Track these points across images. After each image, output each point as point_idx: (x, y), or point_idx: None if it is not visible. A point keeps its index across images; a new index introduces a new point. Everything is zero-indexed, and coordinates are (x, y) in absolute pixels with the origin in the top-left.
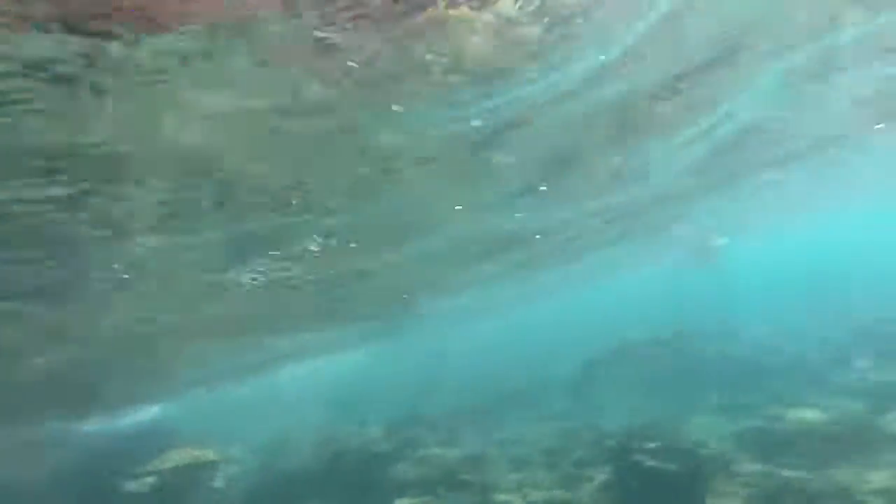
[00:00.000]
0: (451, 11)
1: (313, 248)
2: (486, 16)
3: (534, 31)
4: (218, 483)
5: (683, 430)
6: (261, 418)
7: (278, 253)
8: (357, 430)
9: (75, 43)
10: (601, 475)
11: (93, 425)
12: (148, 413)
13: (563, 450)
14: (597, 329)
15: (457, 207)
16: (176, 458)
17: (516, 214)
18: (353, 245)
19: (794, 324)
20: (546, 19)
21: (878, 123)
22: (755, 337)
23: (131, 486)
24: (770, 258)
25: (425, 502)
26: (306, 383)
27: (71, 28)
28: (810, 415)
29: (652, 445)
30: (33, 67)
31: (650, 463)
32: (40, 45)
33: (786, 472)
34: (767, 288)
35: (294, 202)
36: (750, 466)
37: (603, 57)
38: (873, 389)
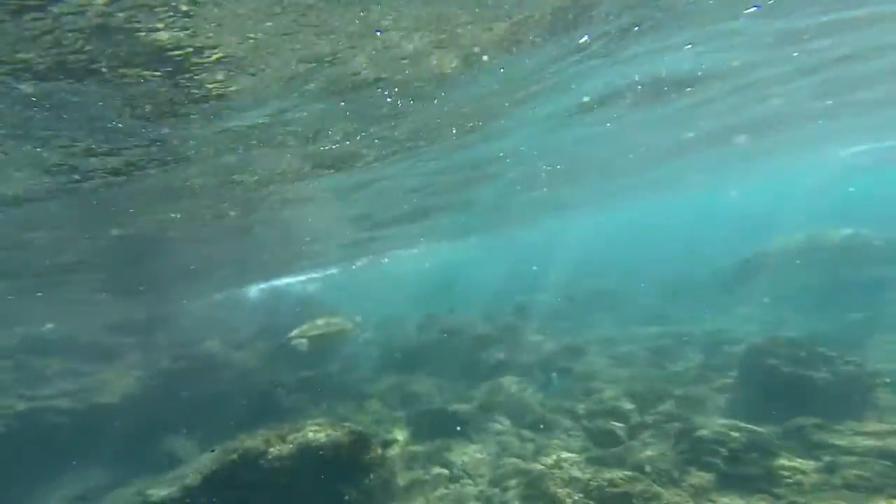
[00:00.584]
0: None
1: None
2: None
3: None
4: (351, 349)
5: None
6: (380, 298)
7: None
8: (463, 314)
9: None
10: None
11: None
12: (295, 284)
13: (665, 348)
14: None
15: None
16: (321, 324)
17: None
18: None
19: None
20: None
21: None
22: None
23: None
24: None
25: (525, 380)
26: (420, 268)
27: None
28: None
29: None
30: None
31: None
32: None
33: None
34: None
35: None
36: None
37: None
38: None
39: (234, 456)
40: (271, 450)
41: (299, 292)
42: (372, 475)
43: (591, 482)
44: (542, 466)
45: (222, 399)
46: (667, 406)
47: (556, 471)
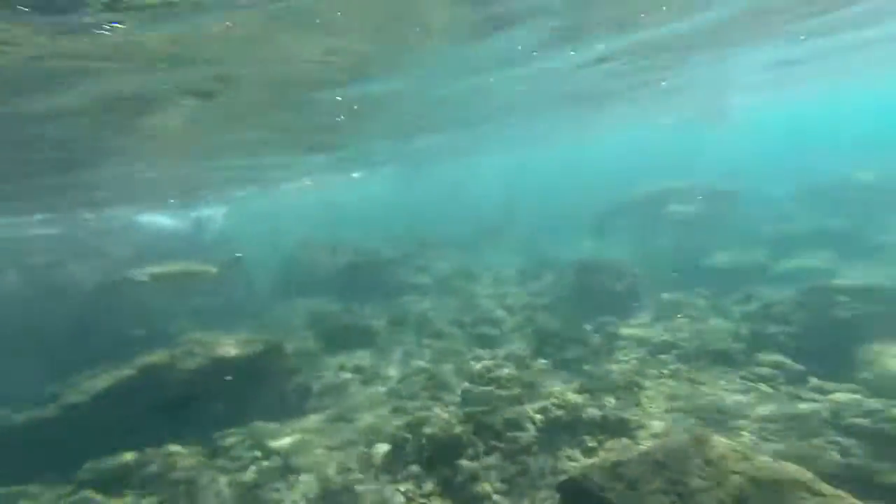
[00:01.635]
0: None
1: None
2: None
3: None
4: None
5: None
6: (287, 228)
7: None
8: (369, 243)
9: None
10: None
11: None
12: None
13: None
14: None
15: None
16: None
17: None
18: None
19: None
20: None
21: None
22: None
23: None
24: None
25: (424, 299)
26: (328, 201)
27: None
28: None
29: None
30: None
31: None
32: None
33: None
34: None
35: None
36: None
37: None
38: None
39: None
40: (179, 365)
41: (189, 226)
42: (285, 381)
43: (474, 370)
44: (440, 365)
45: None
46: (527, 313)
47: (449, 366)
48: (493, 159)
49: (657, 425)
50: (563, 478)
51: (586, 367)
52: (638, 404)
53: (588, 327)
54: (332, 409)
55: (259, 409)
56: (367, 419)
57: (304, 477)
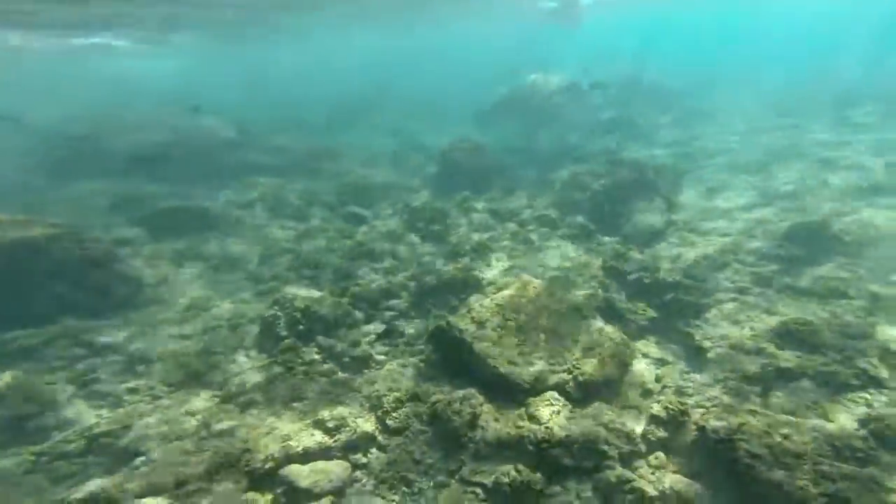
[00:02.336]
0: None
1: None
2: None
3: None
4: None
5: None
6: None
7: None
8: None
9: None
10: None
11: None
12: None
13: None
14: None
15: None
16: None
17: None
18: None
19: None
20: None
21: None
22: None
23: None
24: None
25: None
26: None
27: None
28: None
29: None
30: None
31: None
32: None
33: None
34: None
35: None
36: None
37: None
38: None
39: None
40: None
41: None
42: (100, 272)
43: (348, 245)
44: (307, 243)
45: None
46: (394, 192)
47: (318, 244)
48: (361, 40)
49: (501, 279)
50: None
51: (451, 239)
52: (489, 265)
53: (451, 204)
54: (182, 300)
55: (79, 305)
56: (226, 306)
57: (158, 366)
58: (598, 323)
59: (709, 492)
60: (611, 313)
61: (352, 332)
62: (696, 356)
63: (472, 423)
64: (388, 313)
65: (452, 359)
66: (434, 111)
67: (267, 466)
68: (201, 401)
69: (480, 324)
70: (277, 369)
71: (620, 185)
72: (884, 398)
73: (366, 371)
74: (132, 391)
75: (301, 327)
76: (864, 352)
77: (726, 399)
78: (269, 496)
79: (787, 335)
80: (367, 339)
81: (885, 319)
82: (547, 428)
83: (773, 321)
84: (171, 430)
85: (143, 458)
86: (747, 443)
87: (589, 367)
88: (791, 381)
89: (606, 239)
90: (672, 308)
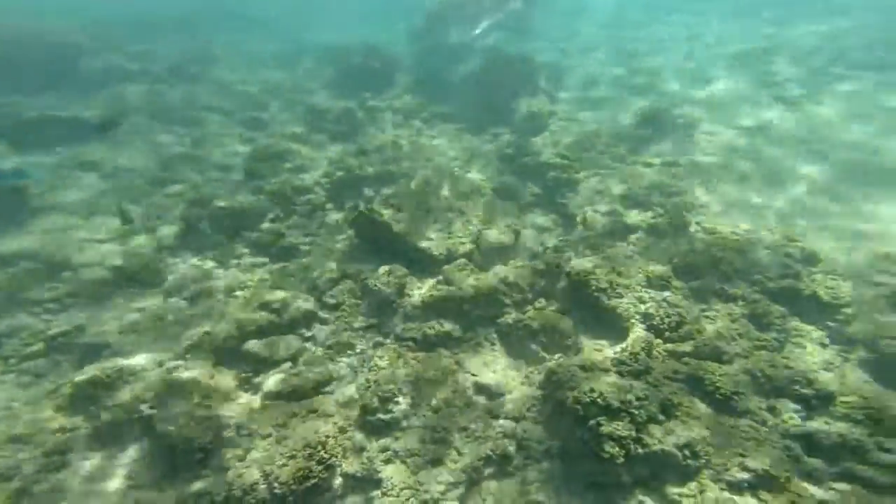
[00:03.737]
0: None
1: None
2: None
3: None
4: None
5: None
6: None
7: None
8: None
9: None
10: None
11: None
12: None
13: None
14: None
15: None
16: None
17: None
18: None
19: None
20: None
21: None
22: None
23: None
24: None
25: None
26: None
27: None
28: None
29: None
30: None
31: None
32: None
33: None
34: None
35: None
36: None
37: None
38: None
39: None
40: None
41: None
42: None
43: (256, 150)
44: (206, 149)
45: None
46: (290, 95)
47: (219, 150)
48: None
49: (415, 171)
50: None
51: (356, 137)
52: (399, 159)
53: (353, 103)
54: (78, 208)
55: None
56: (134, 209)
57: (67, 274)
58: (495, 201)
59: (575, 319)
60: (504, 193)
61: (275, 225)
62: (569, 222)
63: (400, 291)
64: (307, 207)
65: (374, 241)
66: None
67: (228, 345)
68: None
69: (398, 209)
70: (211, 264)
71: (508, 80)
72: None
73: (294, 259)
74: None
75: (225, 224)
76: (681, 205)
77: (588, 252)
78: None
79: (630, 198)
80: (291, 231)
81: (699, 181)
82: (459, 288)
83: (621, 189)
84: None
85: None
86: (596, 281)
87: (489, 237)
88: (630, 233)
89: (499, 129)
90: (551, 185)
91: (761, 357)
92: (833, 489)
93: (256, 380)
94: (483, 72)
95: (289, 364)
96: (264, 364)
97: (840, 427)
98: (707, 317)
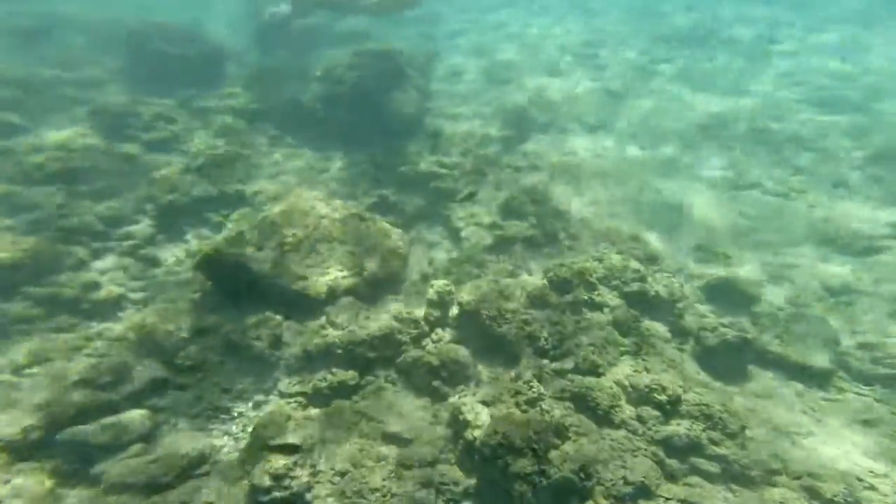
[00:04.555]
0: None
1: None
2: None
3: None
4: None
5: None
6: None
7: None
8: None
9: None
10: None
11: None
12: None
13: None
14: None
15: None
16: None
17: None
18: None
19: None
20: None
21: None
22: None
23: None
24: None
25: None
26: None
27: None
28: None
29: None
30: None
31: None
32: None
33: None
34: None
35: None
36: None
37: None
38: None
39: None
40: None
41: None
42: None
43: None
44: None
45: None
46: (64, 90)
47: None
48: None
49: (271, 188)
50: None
51: (182, 147)
52: (245, 177)
53: (171, 102)
54: None
55: None
56: None
57: None
58: (376, 222)
59: (472, 350)
60: (384, 208)
61: (79, 276)
62: (454, 236)
63: (276, 343)
64: (127, 242)
65: (233, 285)
66: None
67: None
68: None
69: (259, 246)
70: None
71: (375, 76)
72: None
73: (121, 315)
74: None
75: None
76: (549, 214)
77: (475, 271)
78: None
79: (507, 210)
80: (113, 276)
81: (559, 181)
82: (350, 331)
83: (501, 196)
84: None
85: None
86: (486, 309)
87: (373, 266)
88: (510, 246)
89: (370, 134)
90: (433, 195)
91: (626, 364)
92: (687, 485)
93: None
94: (344, 67)
95: (139, 446)
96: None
97: (685, 426)
98: (580, 327)
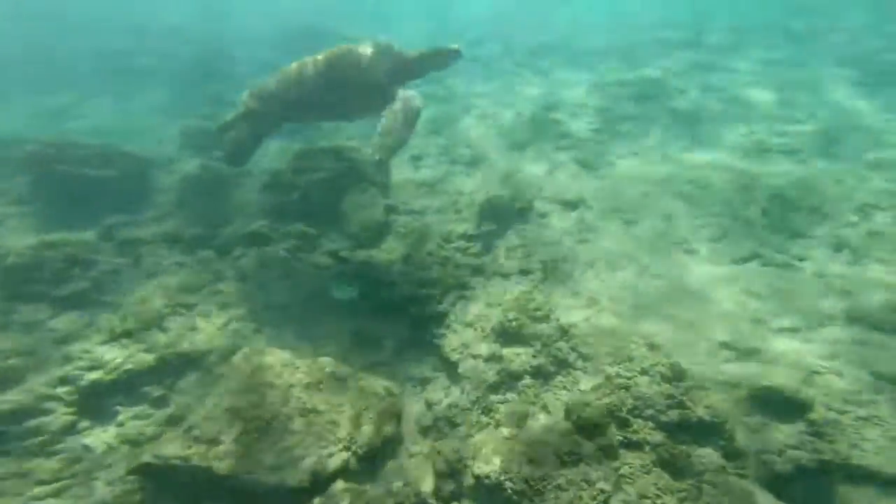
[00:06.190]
0: None
1: None
2: None
3: None
4: None
5: None
6: None
7: None
8: None
9: None
10: None
11: None
12: None
13: None
14: None
15: None
16: None
17: None
18: None
19: None
20: None
21: None
22: None
23: None
24: None
25: None
26: None
27: None
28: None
29: None
30: None
31: None
32: None
33: None
34: None
35: None
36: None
37: None
38: None
39: None
40: None
41: None
42: None
43: None
44: None
45: None
46: None
47: None
48: None
49: (222, 343)
50: None
51: (106, 299)
52: (189, 331)
53: (90, 234)
54: None
55: None
56: None
57: None
58: (357, 379)
59: None
60: (361, 345)
61: None
62: (450, 369)
63: None
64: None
65: (191, 490)
66: None
67: None
68: None
69: (212, 440)
70: None
71: (328, 180)
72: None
73: None
74: None
75: None
76: (554, 334)
77: (484, 419)
78: None
79: (506, 334)
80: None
81: (553, 281)
82: None
83: (496, 315)
84: None
85: None
86: (511, 482)
87: (365, 435)
88: (517, 382)
89: (331, 242)
90: (416, 317)
91: None
92: None
93: None
94: (293, 172)
95: None
96: None
97: None
98: (624, 476)
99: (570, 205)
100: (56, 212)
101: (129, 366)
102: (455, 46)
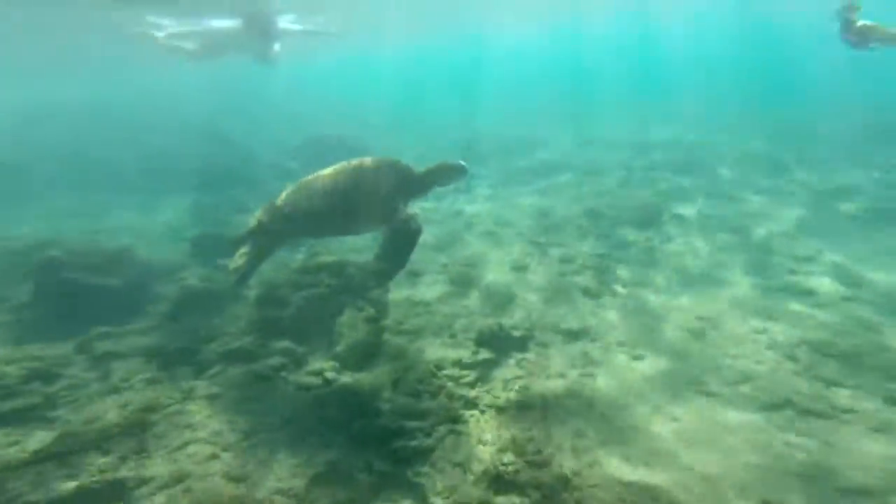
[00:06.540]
0: None
1: None
2: None
3: None
4: None
5: None
6: None
7: None
8: None
9: None
10: None
11: None
12: None
13: None
14: None
15: None
16: None
17: None
18: None
19: None
20: None
21: None
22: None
23: None
24: None
25: None
26: None
27: None
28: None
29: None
30: None
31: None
32: None
33: None
34: None
35: None
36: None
37: None
38: None
39: None
40: None
41: None
42: None
43: None
44: None
45: None
46: None
47: None
48: None
49: (173, 471)
50: None
51: (52, 414)
52: (143, 454)
53: (68, 347)
54: None
55: None
56: None
57: None
58: None
59: None
60: (333, 478)
61: None
62: None
63: None
64: None
65: None
66: None
67: None
68: None
69: None
70: None
71: (325, 296)
72: None
73: None
74: None
75: None
76: (554, 486)
77: None
78: None
79: (501, 483)
80: None
81: (554, 421)
82: None
83: (488, 457)
84: None
85: None
86: None
87: None
88: None
89: (319, 366)
90: (400, 450)
91: None
92: None
93: None
94: (289, 286)
95: None
96: None
97: None
98: None
99: (574, 333)
100: (48, 321)
101: (61, 492)
102: (462, 162)
